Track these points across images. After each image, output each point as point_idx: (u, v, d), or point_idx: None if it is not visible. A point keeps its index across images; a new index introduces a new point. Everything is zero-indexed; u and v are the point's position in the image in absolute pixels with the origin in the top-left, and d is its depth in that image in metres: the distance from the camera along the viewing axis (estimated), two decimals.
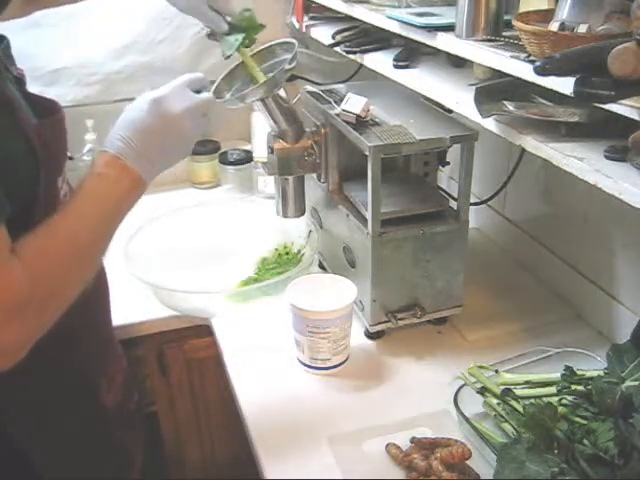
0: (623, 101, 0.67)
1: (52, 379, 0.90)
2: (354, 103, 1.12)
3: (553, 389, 0.97)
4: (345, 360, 1.14)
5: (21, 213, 0.77)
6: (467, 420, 0.96)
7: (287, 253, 1.40)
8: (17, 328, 0.71)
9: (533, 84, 0.79)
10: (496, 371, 1.04)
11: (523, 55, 0.82)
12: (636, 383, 0.89)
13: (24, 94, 0.85)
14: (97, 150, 1.63)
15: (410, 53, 1.15)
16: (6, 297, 0.70)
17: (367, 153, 1.06)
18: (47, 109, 0.85)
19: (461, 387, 1.02)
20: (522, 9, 0.90)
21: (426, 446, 0.94)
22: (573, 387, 0.95)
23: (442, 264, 1.15)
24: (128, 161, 0.83)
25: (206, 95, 0.92)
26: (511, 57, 0.84)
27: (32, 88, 0.90)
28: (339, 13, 1.37)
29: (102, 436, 1.01)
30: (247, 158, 1.76)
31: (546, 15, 0.83)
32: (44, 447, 0.91)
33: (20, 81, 0.88)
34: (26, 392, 0.87)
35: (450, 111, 1.12)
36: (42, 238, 0.76)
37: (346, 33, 1.35)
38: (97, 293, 1.00)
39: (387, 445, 0.96)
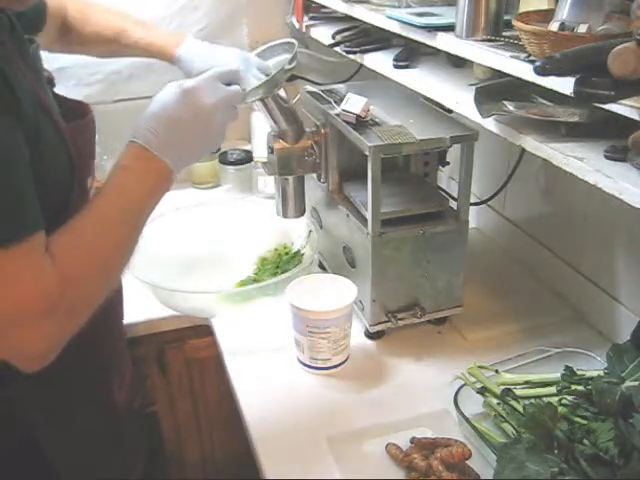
0: (623, 101, 0.67)
1: (71, 373, 0.90)
2: (354, 103, 1.12)
3: (553, 389, 0.97)
4: (345, 360, 1.14)
5: (57, 214, 0.77)
6: (467, 420, 0.96)
7: (287, 253, 1.40)
8: (48, 330, 0.71)
9: (533, 84, 0.79)
10: (496, 371, 1.04)
11: (523, 55, 0.82)
12: (636, 383, 0.89)
13: (53, 96, 0.86)
14: (97, 151, 1.64)
15: (410, 53, 1.15)
16: (37, 299, 0.70)
17: (367, 153, 1.06)
18: (74, 110, 0.86)
19: (461, 387, 1.02)
20: (522, 9, 0.90)
21: (426, 446, 0.94)
22: (573, 387, 0.95)
23: (442, 264, 1.15)
24: (156, 153, 0.82)
25: (236, 88, 0.91)
26: (511, 57, 0.84)
27: None
28: (339, 13, 1.37)
29: (113, 433, 1.01)
30: (247, 158, 1.76)
31: (546, 15, 0.83)
32: (57, 440, 0.90)
33: (51, 83, 0.88)
34: (43, 385, 0.87)
35: (450, 111, 1.12)
36: (72, 236, 0.75)
37: (346, 33, 1.35)
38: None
39: (387, 445, 0.96)
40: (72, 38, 1.15)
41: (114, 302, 1.02)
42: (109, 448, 1.01)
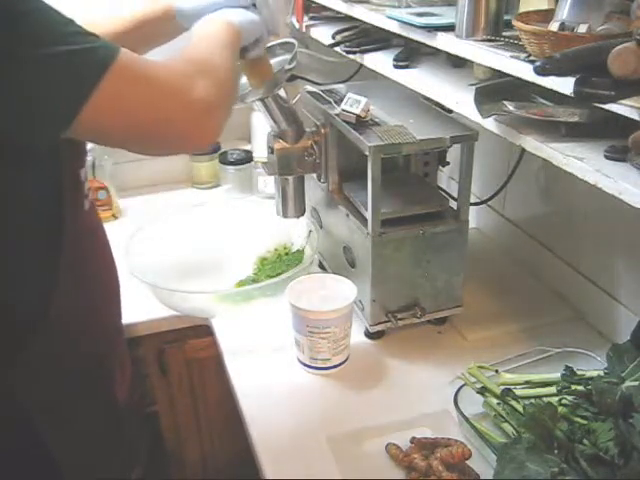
0: (623, 101, 0.67)
1: (71, 369, 0.90)
2: (354, 103, 1.12)
3: (553, 389, 0.97)
4: (345, 360, 1.14)
5: (50, 206, 0.80)
6: (467, 420, 0.96)
7: (287, 253, 1.40)
8: (203, 86, 0.76)
9: (533, 84, 0.79)
10: (496, 371, 1.04)
11: (523, 55, 0.82)
12: (636, 383, 0.89)
13: None
14: (98, 151, 1.64)
15: (410, 53, 1.15)
16: (181, 65, 0.77)
17: (367, 153, 1.06)
18: None
19: (461, 387, 1.02)
20: (522, 9, 0.90)
21: (426, 446, 0.94)
22: (573, 387, 0.95)
23: (442, 264, 1.15)
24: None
25: None
26: (511, 57, 0.84)
27: None
28: (339, 13, 1.37)
29: (114, 432, 1.01)
30: (247, 158, 1.76)
31: (546, 15, 0.83)
32: (59, 438, 0.90)
33: None
34: (43, 383, 0.87)
35: (450, 111, 1.12)
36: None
37: (346, 33, 1.35)
38: (110, 280, 1.00)
39: (387, 445, 0.96)
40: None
41: (108, 296, 1.02)
42: (110, 447, 1.01)
